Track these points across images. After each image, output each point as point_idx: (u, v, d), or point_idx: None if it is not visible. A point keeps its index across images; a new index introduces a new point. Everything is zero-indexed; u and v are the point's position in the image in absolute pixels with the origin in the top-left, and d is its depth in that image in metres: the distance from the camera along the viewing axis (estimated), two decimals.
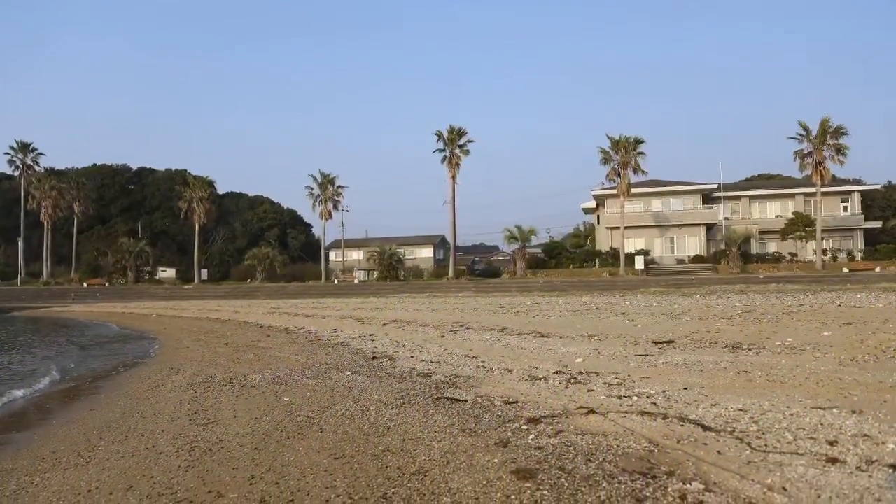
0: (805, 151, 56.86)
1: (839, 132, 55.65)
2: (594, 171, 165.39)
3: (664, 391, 6.21)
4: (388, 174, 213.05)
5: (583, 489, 3.60)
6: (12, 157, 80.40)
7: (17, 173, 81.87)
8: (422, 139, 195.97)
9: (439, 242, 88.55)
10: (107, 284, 74.55)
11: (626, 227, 61.95)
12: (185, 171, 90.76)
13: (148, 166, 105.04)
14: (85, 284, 73.86)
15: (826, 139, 55.73)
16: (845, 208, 65.36)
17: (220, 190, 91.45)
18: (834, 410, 4.98)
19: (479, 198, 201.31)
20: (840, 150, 55.72)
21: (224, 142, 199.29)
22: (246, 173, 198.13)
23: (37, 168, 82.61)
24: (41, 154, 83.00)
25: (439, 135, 68.64)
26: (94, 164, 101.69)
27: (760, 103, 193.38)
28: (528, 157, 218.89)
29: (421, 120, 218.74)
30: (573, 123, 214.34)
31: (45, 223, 76.93)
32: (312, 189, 75.86)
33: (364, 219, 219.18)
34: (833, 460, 3.76)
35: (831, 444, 4.10)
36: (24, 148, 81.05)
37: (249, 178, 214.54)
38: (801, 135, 56.91)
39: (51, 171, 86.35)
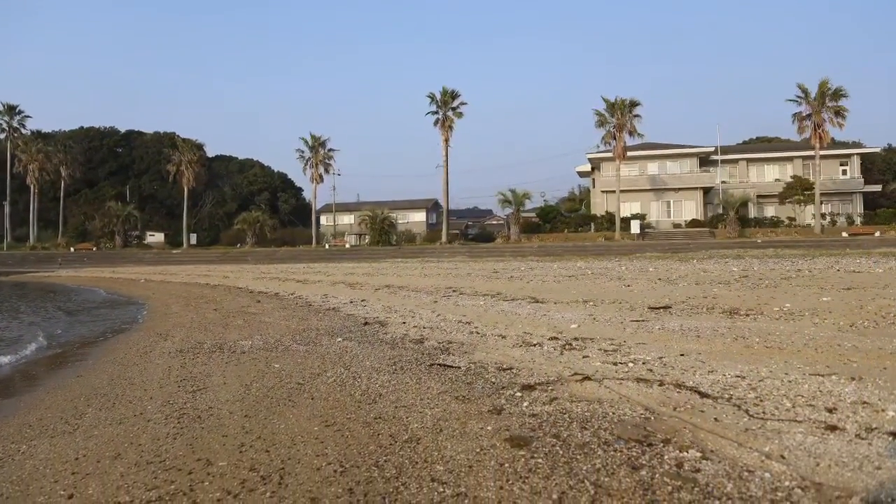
0: (804, 114, 56.55)
1: (838, 94, 55.30)
2: (590, 135, 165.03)
3: (660, 357, 6.15)
4: (381, 138, 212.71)
5: (578, 457, 3.54)
6: None
7: (2, 136, 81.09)
8: (415, 102, 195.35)
9: (432, 206, 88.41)
10: (94, 249, 74.32)
11: (621, 191, 61.87)
12: (174, 133, 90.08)
13: (136, 129, 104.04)
14: (72, 249, 73.60)
15: (825, 101, 55.40)
16: (844, 172, 65.16)
17: (210, 153, 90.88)
18: (833, 377, 4.93)
19: (472, 161, 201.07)
20: (839, 113, 55.43)
21: (214, 105, 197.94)
22: (236, 137, 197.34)
23: (23, 131, 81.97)
24: (28, 116, 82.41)
25: (432, 97, 68.12)
26: (82, 127, 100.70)
27: (759, 65, 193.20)
28: (523, 121, 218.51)
29: (414, 83, 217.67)
30: (569, 86, 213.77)
31: (32, 187, 76.40)
32: (303, 152, 75.45)
33: (356, 183, 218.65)
34: (832, 428, 3.71)
35: (830, 411, 4.05)
36: (10, 110, 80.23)
37: (239, 141, 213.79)
38: (799, 97, 56.59)
39: (37, 134, 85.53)
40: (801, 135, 57.99)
